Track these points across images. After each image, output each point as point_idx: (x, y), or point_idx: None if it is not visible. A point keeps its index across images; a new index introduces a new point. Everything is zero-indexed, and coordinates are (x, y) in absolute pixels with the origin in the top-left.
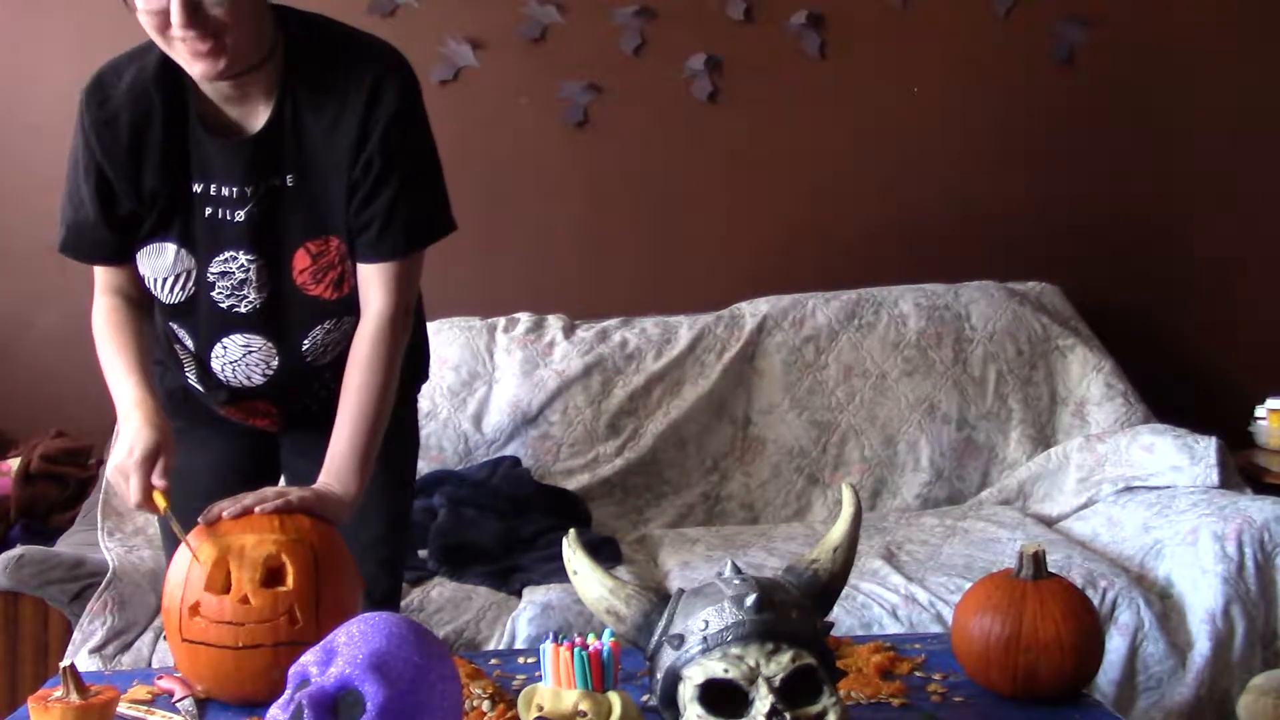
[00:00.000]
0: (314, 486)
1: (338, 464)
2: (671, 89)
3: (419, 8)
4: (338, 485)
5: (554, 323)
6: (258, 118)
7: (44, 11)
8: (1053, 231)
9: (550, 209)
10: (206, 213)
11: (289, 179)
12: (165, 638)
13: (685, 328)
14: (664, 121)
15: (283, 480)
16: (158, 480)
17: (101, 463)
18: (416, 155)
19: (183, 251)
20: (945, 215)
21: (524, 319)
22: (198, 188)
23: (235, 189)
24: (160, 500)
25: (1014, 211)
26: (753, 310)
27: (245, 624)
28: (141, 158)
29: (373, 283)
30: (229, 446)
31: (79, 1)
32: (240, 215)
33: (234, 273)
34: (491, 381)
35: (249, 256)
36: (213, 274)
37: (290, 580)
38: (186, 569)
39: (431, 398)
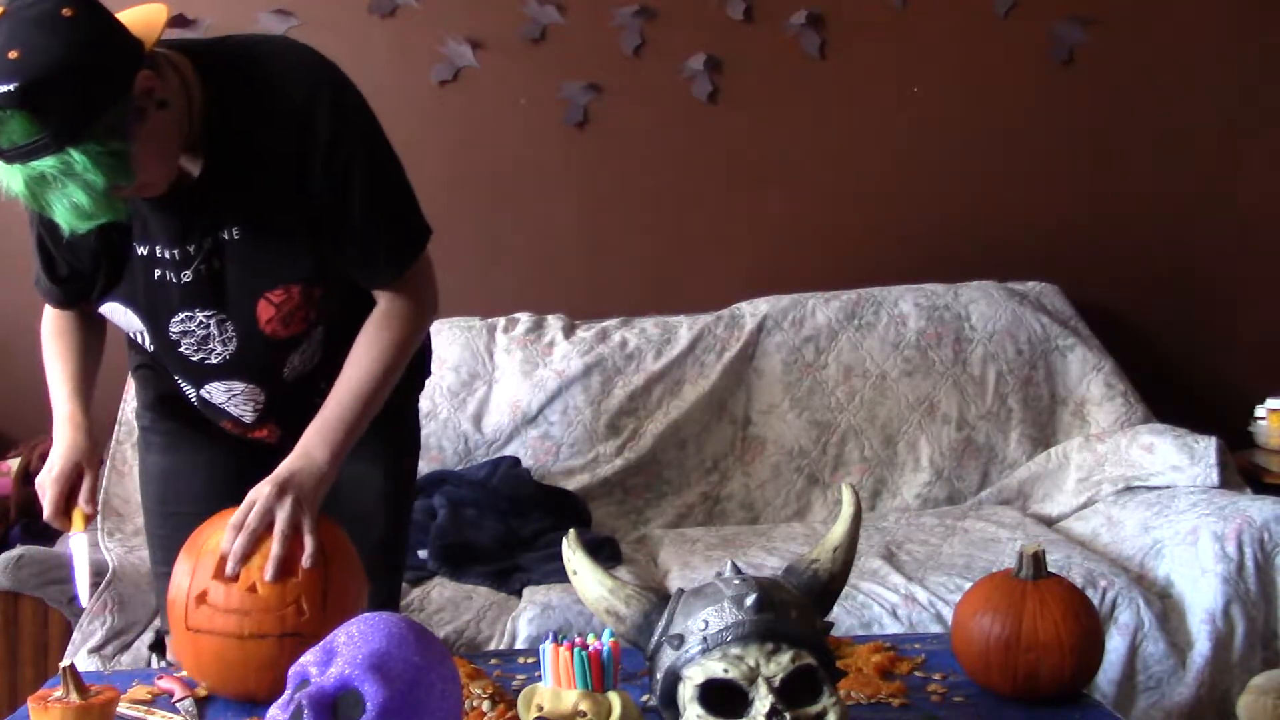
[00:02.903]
0: (289, 464)
1: (323, 427)
2: (671, 89)
3: (419, 8)
4: (316, 450)
5: (554, 323)
6: (192, 169)
7: None
8: (1053, 231)
9: (550, 209)
10: (155, 275)
11: (234, 231)
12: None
13: (685, 328)
14: (664, 121)
15: None
16: (84, 505)
17: (102, 462)
18: (373, 175)
19: (130, 313)
20: (945, 215)
21: (524, 319)
22: (143, 250)
23: (177, 250)
24: (78, 521)
25: (1014, 211)
26: (753, 310)
27: (252, 613)
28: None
29: (381, 297)
30: (222, 449)
31: None
32: (187, 275)
33: (194, 330)
34: (491, 381)
35: (206, 313)
36: (174, 333)
37: (299, 572)
38: (195, 559)
39: (431, 398)
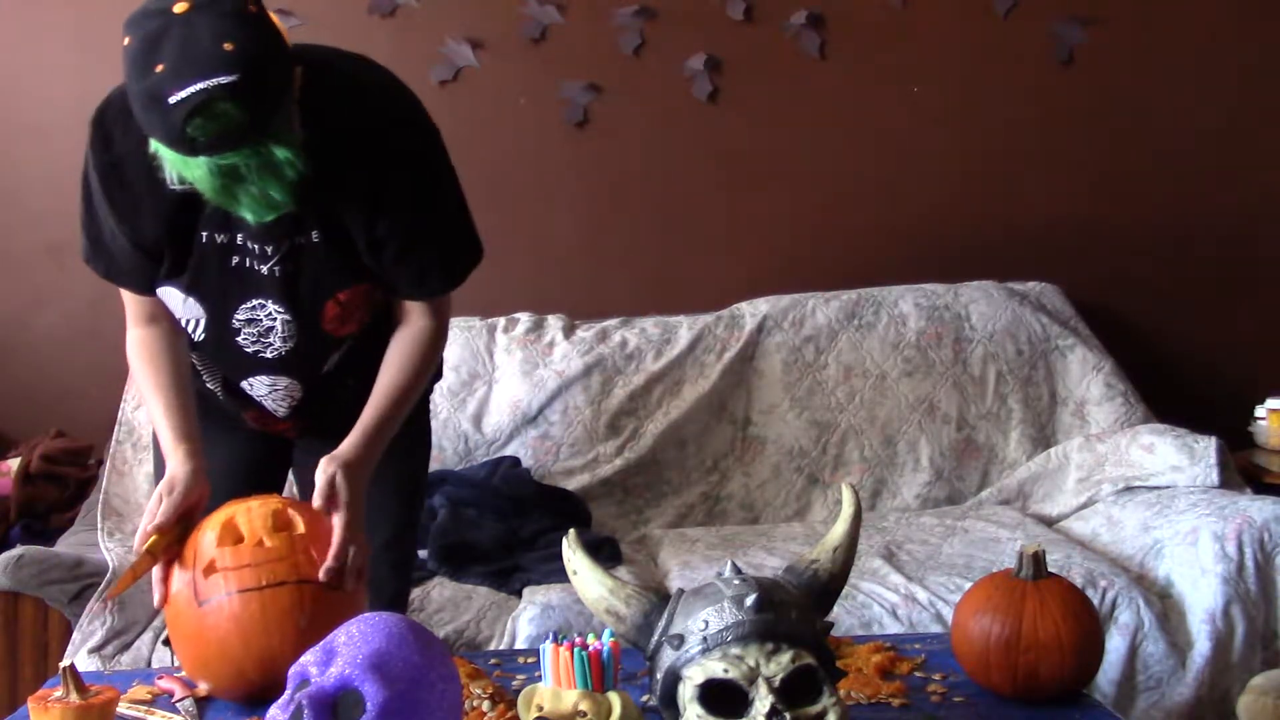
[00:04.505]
0: (339, 462)
1: (361, 433)
2: (671, 89)
3: (419, 8)
4: (352, 452)
5: (554, 323)
6: None
7: (43, 10)
8: (1053, 231)
9: (550, 209)
10: (233, 261)
11: (314, 234)
12: (166, 641)
13: (685, 328)
14: (664, 121)
15: (290, 479)
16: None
17: (101, 463)
18: (439, 206)
19: (190, 300)
20: (945, 215)
21: (524, 319)
22: (221, 238)
23: (259, 244)
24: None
25: (1014, 211)
26: (753, 310)
27: (265, 563)
28: (140, 207)
29: (415, 309)
30: (242, 447)
31: (78, 1)
32: (264, 269)
33: (261, 320)
34: (491, 381)
35: (278, 308)
36: (239, 320)
37: (301, 527)
38: (193, 549)
39: (431, 398)
